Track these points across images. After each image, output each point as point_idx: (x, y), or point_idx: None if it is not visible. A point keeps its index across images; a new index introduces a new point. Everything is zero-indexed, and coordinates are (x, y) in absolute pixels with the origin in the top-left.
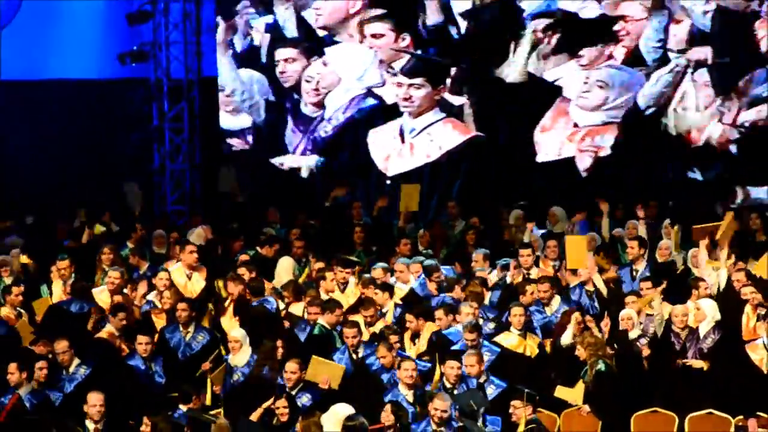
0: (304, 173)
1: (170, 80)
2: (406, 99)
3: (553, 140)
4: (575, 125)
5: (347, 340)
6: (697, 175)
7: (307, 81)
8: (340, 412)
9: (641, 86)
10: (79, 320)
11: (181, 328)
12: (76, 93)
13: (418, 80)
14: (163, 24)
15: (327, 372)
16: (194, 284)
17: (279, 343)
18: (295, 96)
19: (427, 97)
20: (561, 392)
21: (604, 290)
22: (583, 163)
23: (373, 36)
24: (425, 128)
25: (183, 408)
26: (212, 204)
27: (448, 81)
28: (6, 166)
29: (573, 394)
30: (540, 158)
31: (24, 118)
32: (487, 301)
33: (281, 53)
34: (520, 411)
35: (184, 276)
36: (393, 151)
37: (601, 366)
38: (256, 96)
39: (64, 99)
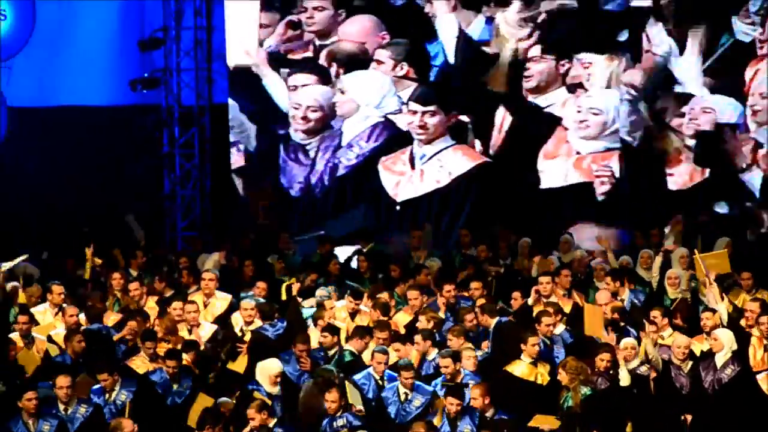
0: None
1: (181, 107)
2: (421, 127)
3: (558, 167)
4: (578, 152)
5: (376, 366)
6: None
7: (295, 108)
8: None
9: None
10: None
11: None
12: (88, 119)
13: (432, 107)
14: (174, 51)
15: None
16: (209, 313)
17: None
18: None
19: (439, 123)
20: (537, 420)
21: None
22: (601, 187)
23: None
24: (435, 155)
25: None
26: (223, 230)
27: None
28: (16, 193)
29: (548, 421)
30: (544, 185)
31: (35, 144)
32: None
33: (296, 79)
34: None
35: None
36: (403, 178)
37: (586, 390)
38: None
39: (75, 125)
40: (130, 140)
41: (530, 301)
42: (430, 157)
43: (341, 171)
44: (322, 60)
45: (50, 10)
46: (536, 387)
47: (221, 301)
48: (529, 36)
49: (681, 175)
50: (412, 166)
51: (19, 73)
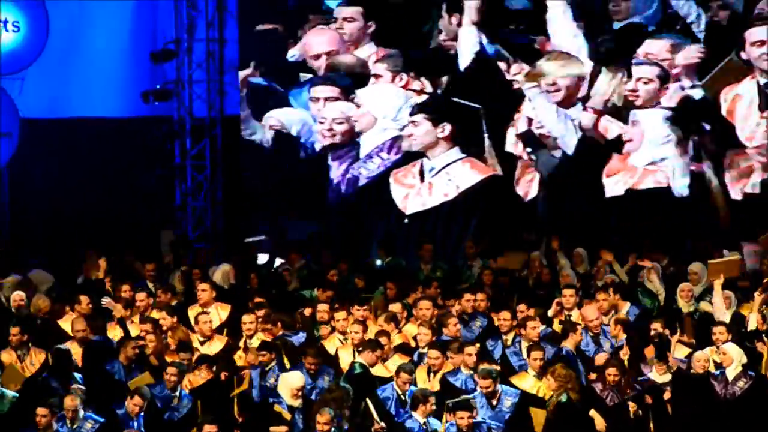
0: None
1: (193, 118)
2: (408, 136)
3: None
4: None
5: (399, 384)
6: None
7: (321, 122)
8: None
9: None
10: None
11: (169, 391)
12: (100, 131)
13: (418, 117)
14: (186, 63)
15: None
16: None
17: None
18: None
19: (427, 134)
20: None
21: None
22: None
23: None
24: (444, 168)
25: None
26: (234, 241)
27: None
28: (28, 203)
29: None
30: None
31: (47, 156)
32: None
33: (318, 91)
34: None
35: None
36: (412, 191)
37: (563, 398)
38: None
39: (87, 137)
40: (142, 151)
41: (550, 312)
42: (439, 171)
43: (363, 181)
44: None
45: (63, 22)
46: (538, 400)
47: (221, 312)
48: None
49: None
50: (422, 179)
51: (31, 85)
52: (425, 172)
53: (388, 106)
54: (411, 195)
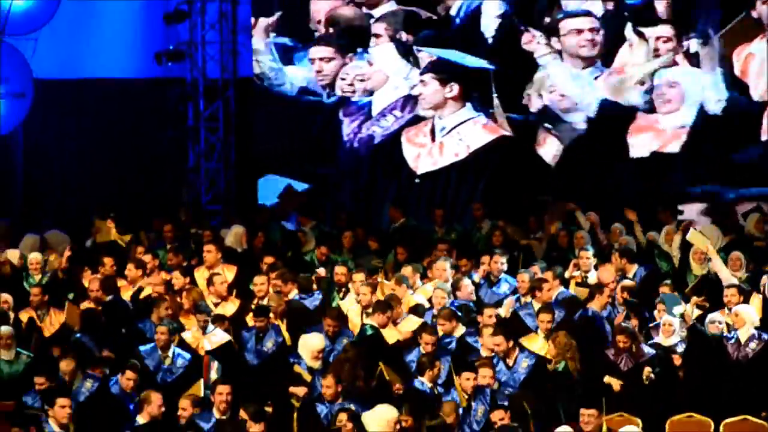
0: None
1: (206, 80)
2: (418, 95)
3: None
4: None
5: (425, 347)
6: None
7: (342, 79)
8: (386, 413)
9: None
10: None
11: (160, 351)
12: (113, 92)
13: (426, 76)
14: (199, 24)
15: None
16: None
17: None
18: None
19: (435, 93)
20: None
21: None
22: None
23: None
24: (455, 127)
25: None
26: (246, 203)
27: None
28: (42, 164)
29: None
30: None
31: (60, 116)
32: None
33: (315, 51)
34: (596, 420)
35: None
36: (423, 150)
37: (560, 366)
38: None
39: (100, 98)
40: (155, 113)
41: (567, 273)
42: (450, 130)
43: (378, 140)
44: (323, 25)
45: None
46: (547, 362)
47: (228, 273)
48: None
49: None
50: (433, 139)
51: (45, 45)
52: (436, 131)
53: (400, 64)
54: (422, 154)
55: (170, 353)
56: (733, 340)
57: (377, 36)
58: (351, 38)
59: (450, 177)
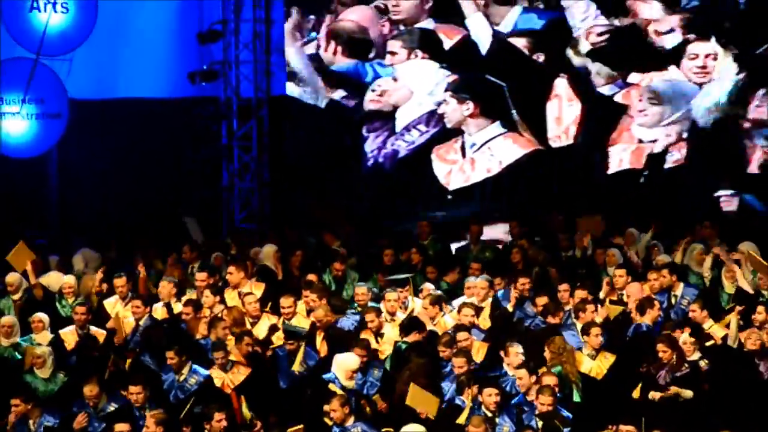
0: None
1: (239, 99)
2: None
3: (618, 153)
4: (639, 141)
5: (456, 370)
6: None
7: (373, 90)
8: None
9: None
10: None
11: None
12: (147, 112)
13: (446, 95)
14: (233, 43)
15: (425, 402)
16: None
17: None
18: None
19: (454, 111)
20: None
21: None
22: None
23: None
24: (486, 143)
25: None
26: (280, 223)
27: None
28: (76, 184)
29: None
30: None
31: (94, 136)
32: None
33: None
34: None
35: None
36: (454, 166)
37: (555, 369)
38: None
39: (134, 118)
40: (189, 132)
41: (602, 294)
42: (480, 146)
43: (403, 153)
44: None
45: (111, 3)
46: (590, 380)
47: (255, 291)
48: None
49: None
50: (464, 155)
51: (80, 66)
52: (466, 147)
53: (424, 80)
54: (453, 171)
55: (185, 370)
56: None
57: (393, 54)
58: (352, 50)
59: (485, 192)
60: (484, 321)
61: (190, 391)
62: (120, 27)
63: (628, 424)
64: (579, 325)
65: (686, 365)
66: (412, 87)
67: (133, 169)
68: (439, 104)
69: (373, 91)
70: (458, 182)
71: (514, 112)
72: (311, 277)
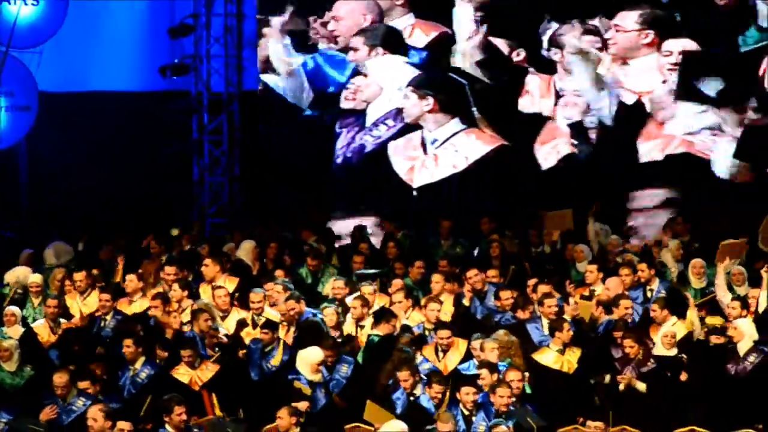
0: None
1: (210, 93)
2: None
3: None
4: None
5: (403, 384)
6: None
7: (347, 88)
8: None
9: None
10: None
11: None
12: (117, 105)
13: (407, 90)
14: (204, 37)
15: (380, 418)
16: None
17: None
18: None
19: (414, 106)
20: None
21: None
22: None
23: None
24: (448, 139)
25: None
26: (251, 217)
27: None
28: (46, 177)
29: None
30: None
31: (64, 129)
32: None
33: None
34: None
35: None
36: (416, 163)
37: (505, 363)
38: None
39: (105, 111)
40: (160, 126)
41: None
42: (443, 142)
43: (369, 148)
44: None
45: None
46: (562, 375)
47: (229, 285)
48: None
49: None
50: (425, 151)
51: (50, 59)
52: (427, 143)
53: (395, 77)
54: (416, 167)
55: (138, 364)
56: (731, 353)
57: (355, 50)
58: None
59: (451, 189)
60: (445, 316)
61: (141, 385)
62: (91, 20)
63: (596, 420)
64: (545, 320)
65: (652, 361)
66: (382, 83)
67: (103, 162)
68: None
69: (347, 89)
70: (423, 179)
71: (474, 109)
72: (279, 273)
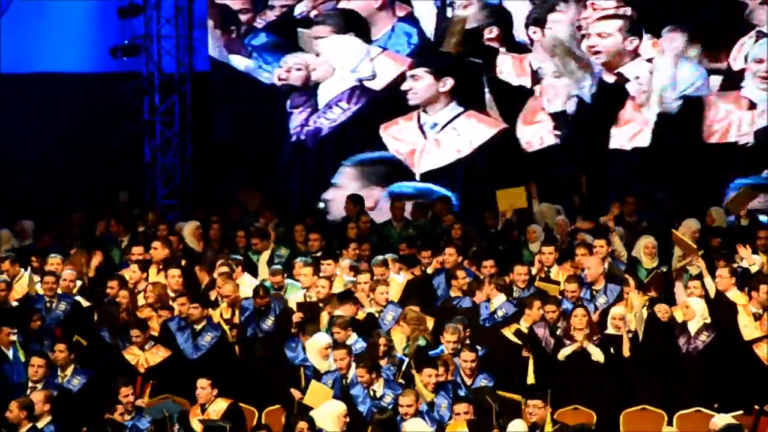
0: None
1: (162, 74)
2: (408, 90)
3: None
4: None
5: (337, 363)
6: None
7: (280, 66)
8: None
9: None
10: None
11: (59, 371)
12: (68, 86)
13: (419, 71)
14: (155, 18)
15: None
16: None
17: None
18: None
19: (429, 88)
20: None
21: None
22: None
23: None
24: (448, 123)
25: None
26: (203, 198)
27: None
28: None
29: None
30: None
31: (15, 110)
32: None
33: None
34: (542, 411)
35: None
36: (417, 147)
37: (421, 341)
38: None
39: (55, 92)
40: (111, 108)
41: (533, 270)
42: (443, 126)
43: (325, 131)
44: None
45: None
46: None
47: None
48: None
49: None
50: (424, 135)
51: None
52: (426, 128)
53: (349, 57)
54: (418, 152)
55: (68, 372)
56: (683, 331)
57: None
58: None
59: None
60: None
61: (73, 392)
62: (40, 1)
63: (535, 399)
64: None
65: (598, 336)
66: (334, 63)
67: (55, 144)
68: (361, 81)
69: (280, 66)
70: (427, 165)
71: (486, 90)
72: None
